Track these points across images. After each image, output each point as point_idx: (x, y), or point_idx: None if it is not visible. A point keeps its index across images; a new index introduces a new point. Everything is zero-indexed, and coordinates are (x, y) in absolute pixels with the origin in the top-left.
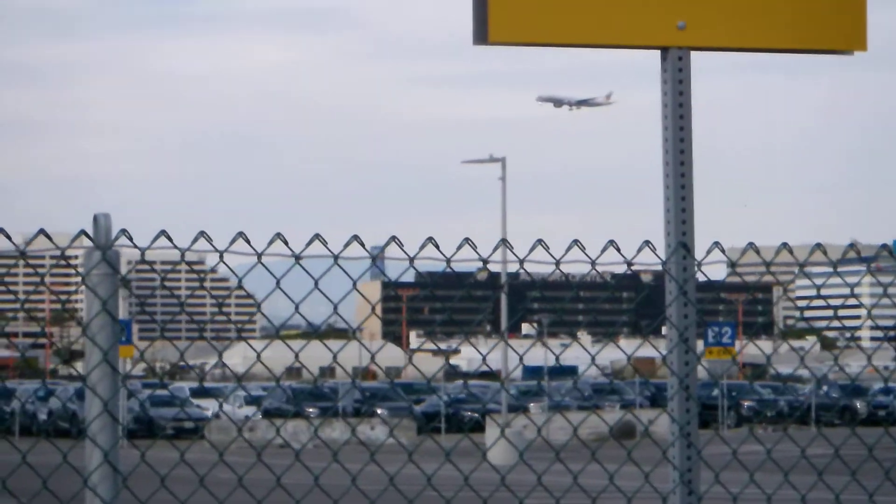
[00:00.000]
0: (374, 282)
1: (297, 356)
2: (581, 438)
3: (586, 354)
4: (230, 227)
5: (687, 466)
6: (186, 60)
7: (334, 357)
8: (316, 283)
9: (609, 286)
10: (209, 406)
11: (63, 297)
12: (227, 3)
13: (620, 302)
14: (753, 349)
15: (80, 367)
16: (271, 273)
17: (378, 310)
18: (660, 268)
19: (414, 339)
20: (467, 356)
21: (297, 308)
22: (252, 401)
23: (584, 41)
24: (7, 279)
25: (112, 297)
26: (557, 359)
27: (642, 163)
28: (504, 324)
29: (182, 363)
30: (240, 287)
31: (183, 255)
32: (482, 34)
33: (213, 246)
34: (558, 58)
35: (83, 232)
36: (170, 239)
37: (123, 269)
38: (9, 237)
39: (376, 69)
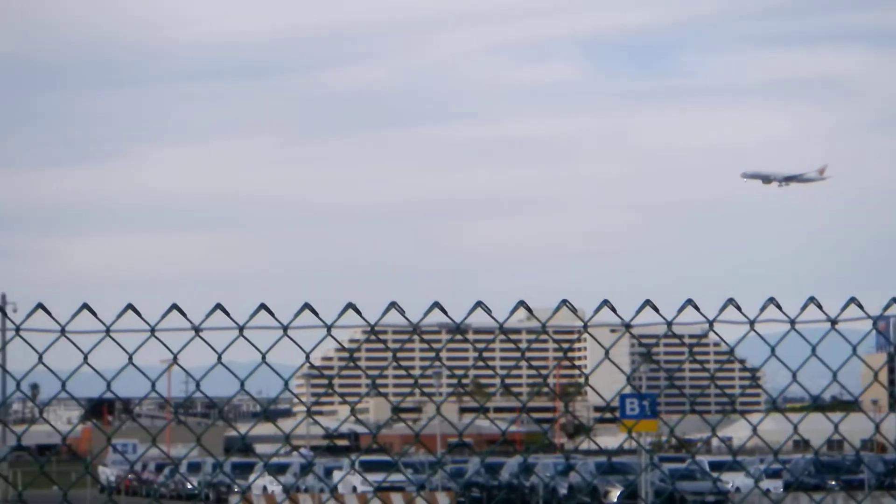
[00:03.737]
0: (879, 353)
1: (795, 428)
2: None
3: None
4: (713, 295)
5: None
6: (680, 135)
7: (835, 428)
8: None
9: None
10: (730, 480)
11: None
12: (725, 76)
13: None
14: None
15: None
16: (765, 340)
17: (884, 379)
18: None
19: None
20: None
21: (794, 377)
22: (773, 474)
23: None
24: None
25: None
26: None
27: None
28: None
29: (687, 437)
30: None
31: (670, 326)
32: None
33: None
34: None
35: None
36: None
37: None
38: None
39: (880, 141)
